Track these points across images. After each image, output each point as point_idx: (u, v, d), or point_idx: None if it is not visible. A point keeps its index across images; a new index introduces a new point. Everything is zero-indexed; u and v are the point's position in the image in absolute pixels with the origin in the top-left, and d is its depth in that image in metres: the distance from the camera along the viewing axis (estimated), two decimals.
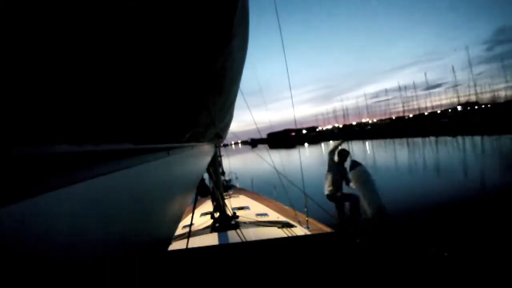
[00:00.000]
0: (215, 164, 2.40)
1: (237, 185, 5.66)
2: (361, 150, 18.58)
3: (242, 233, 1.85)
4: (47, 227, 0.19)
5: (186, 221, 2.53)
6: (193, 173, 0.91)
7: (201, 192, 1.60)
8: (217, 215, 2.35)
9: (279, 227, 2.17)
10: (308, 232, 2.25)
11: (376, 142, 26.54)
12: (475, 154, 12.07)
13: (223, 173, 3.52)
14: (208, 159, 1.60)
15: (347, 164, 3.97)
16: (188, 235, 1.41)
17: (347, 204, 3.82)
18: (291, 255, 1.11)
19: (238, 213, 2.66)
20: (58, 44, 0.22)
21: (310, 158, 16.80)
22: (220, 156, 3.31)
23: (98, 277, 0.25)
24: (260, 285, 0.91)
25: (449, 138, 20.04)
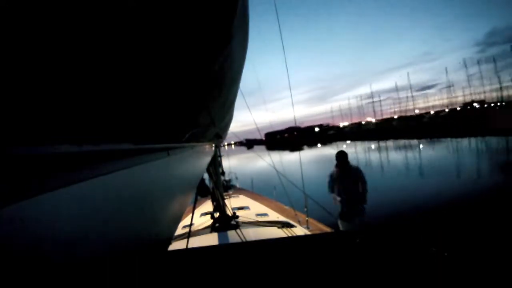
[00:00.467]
0: (215, 164, 2.40)
1: (237, 185, 5.66)
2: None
3: (242, 233, 1.85)
4: (47, 227, 0.19)
5: (186, 221, 2.53)
6: (193, 173, 0.91)
7: (201, 192, 1.60)
8: (217, 215, 2.35)
9: (279, 227, 2.17)
10: (308, 232, 2.25)
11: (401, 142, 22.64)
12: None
13: (223, 173, 3.52)
14: (208, 159, 1.60)
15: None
16: (188, 235, 1.41)
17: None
18: (291, 255, 1.11)
19: (238, 213, 2.66)
20: (58, 44, 0.22)
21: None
22: (220, 156, 3.31)
23: (98, 277, 0.25)
24: (260, 285, 0.91)
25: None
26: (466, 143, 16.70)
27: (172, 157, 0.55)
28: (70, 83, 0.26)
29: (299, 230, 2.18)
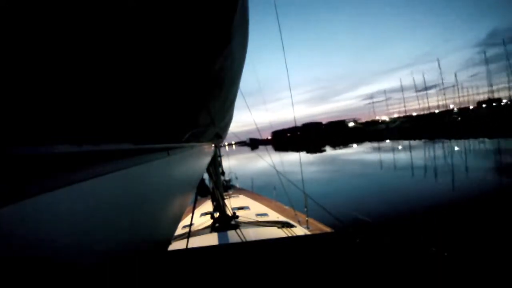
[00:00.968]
0: (215, 164, 2.40)
1: (237, 185, 5.66)
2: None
3: (242, 233, 1.85)
4: (47, 227, 0.19)
5: (186, 221, 2.53)
6: (193, 173, 0.91)
7: (201, 192, 1.60)
8: (217, 215, 2.35)
9: (279, 227, 2.17)
10: (308, 232, 2.25)
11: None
12: None
13: (223, 173, 3.52)
14: (208, 159, 1.60)
15: None
16: (188, 235, 1.41)
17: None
18: (291, 255, 1.11)
19: (238, 213, 2.66)
20: (58, 43, 0.22)
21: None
22: (220, 156, 3.31)
23: (98, 277, 0.25)
24: (260, 285, 0.91)
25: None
26: None
27: (172, 157, 0.55)
28: (70, 83, 0.26)
29: (299, 230, 2.18)
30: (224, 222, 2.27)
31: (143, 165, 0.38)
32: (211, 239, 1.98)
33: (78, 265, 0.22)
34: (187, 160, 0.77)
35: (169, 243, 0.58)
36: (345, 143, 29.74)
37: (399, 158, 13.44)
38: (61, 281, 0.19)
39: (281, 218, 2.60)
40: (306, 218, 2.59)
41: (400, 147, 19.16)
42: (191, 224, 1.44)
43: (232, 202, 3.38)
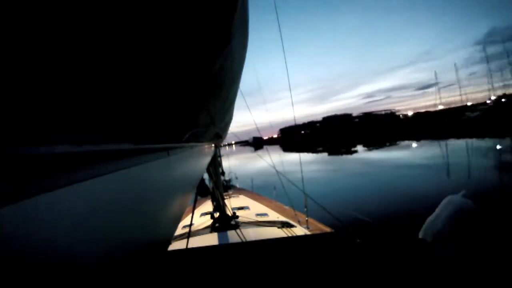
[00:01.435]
0: (215, 164, 2.41)
1: (237, 185, 5.67)
2: None
3: (242, 233, 1.85)
4: (46, 227, 0.19)
5: (186, 221, 2.54)
6: (193, 173, 0.91)
7: (201, 192, 1.60)
8: (217, 215, 2.35)
9: (279, 227, 2.17)
10: (308, 232, 2.25)
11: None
12: None
13: (223, 173, 3.52)
14: (208, 159, 1.60)
15: None
16: (188, 235, 1.41)
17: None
18: (291, 255, 1.11)
19: (238, 213, 2.66)
20: (58, 43, 0.22)
21: None
22: (220, 156, 3.32)
23: (98, 277, 0.25)
24: (260, 285, 0.91)
25: None
26: None
27: (172, 157, 0.55)
28: (70, 83, 0.26)
29: (299, 230, 2.18)
30: (224, 222, 2.27)
31: (143, 165, 0.38)
32: (211, 239, 1.98)
33: (78, 265, 0.22)
34: (187, 160, 0.77)
35: (169, 243, 0.58)
36: (389, 141, 21.18)
37: None
38: (61, 281, 0.19)
39: (281, 218, 2.60)
40: (306, 218, 2.59)
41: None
42: (191, 224, 1.44)
43: (232, 202, 3.39)
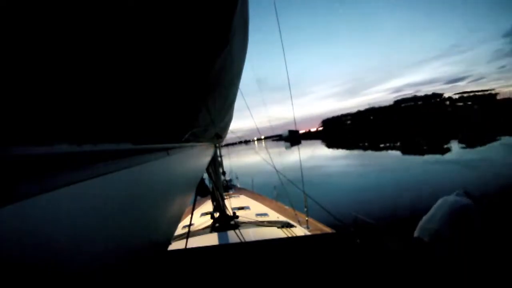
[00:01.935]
0: (215, 164, 2.41)
1: (238, 185, 5.67)
2: None
3: (242, 233, 1.85)
4: (47, 227, 0.19)
5: (185, 221, 2.54)
6: (193, 173, 0.91)
7: (201, 192, 1.60)
8: (217, 215, 2.35)
9: (279, 227, 2.17)
10: (308, 232, 2.25)
11: None
12: None
13: (223, 173, 3.52)
14: (208, 159, 1.60)
15: None
16: (188, 235, 1.41)
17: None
18: (291, 255, 1.11)
19: (238, 213, 2.66)
20: (58, 43, 0.22)
21: None
22: (221, 156, 3.32)
23: (98, 277, 0.25)
24: (259, 285, 0.91)
25: None
26: None
27: (172, 157, 0.55)
28: (69, 83, 0.26)
29: (299, 230, 2.18)
30: (224, 222, 2.27)
31: (143, 165, 0.38)
32: (211, 239, 1.98)
33: (78, 265, 0.22)
34: (187, 160, 0.77)
35: (169, 243, 0.58)
36: (487, 135, 13.29)
37: None
38: (61, 281, 0.19)
39: (281, 218, 2.60)
40: (306, 218, 2.59)
41: None
42: (190, 224, 1.44)
43: (232, 202, 3.39)
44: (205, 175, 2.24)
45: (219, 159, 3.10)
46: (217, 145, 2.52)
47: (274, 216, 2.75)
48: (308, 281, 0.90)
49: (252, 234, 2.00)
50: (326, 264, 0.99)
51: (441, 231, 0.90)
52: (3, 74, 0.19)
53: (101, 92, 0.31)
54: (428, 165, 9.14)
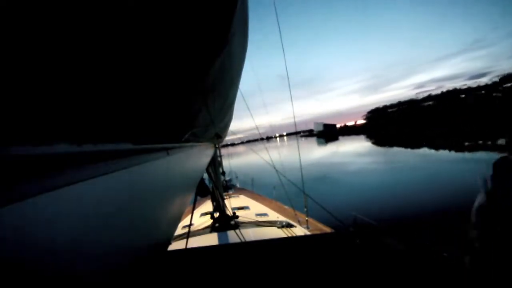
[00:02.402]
0: (215, 164, 2.41)
1: (237, 185, 5.67)
2: None
3: (242, 233, 1.85)
4: (47, 227, 0.19)
5: (185, 221, 2.54)
6: (193, 173, 0.91)
7: (201, 192, 1.61)
8: (216, 215, 2.35)
9: (278, 227, 2.17)
10: (308, 232, 2.25)
11: None
12: None
13: (223, 173, 3.52)
14: (207, 159, 1.60)
15: None
16: (187, 235, 1.41)
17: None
18: (291, 255, 1.11)
19: (238, 213, 2.66)
20: (57, 43, 0.22)
21: None
22: (220, 156, 3.32)
23: (98, 277, 0.25)
24: (259, 285, 0.91)
25: None
26: None
27: (171, 157, 0.55)
28: (69, 83, 0.26)
29: (299, 230, 2.18)
30: (224, 222, 2.27)
31: (143, 165, 0.38)
32: (211, 239, 1.98)
33: (78, 265, 0.22)
34: (186, 160, 0.77)
35: (169, 243, 0.58)
36: None
37: None
38: (61, 281, 0.19)
39: (281, 218, 2.60)
40: (306, 218, 2.59)
41: None
42: (190, 224, 1.44)
43: (232, 202, 3.39)
44: (205, 175, 2.24)
45: (219, 159, 3.10)
46: (217, 145, 2.52)
47: (274, 216, 2.75)
48: (308, 281, 0.90)
49: (252, 234, 2.00)
50: (326, 264, 0.99)
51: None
52: (3, 74, 0.19)
53: (100, 92, 0.31)
54: None
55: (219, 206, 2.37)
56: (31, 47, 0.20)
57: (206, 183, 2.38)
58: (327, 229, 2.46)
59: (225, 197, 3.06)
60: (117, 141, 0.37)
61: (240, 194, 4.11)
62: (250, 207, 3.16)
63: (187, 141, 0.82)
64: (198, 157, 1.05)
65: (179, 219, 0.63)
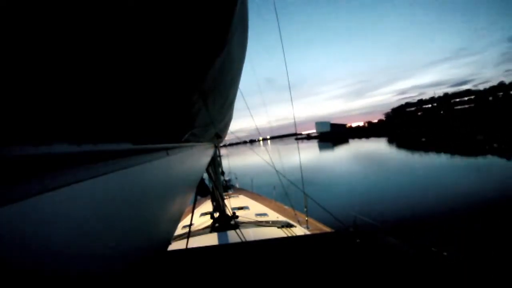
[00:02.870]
0: (214, 164, 2.41)
1: (237, 185, 5.67)
2: None
3: (242, 233, 1.85)
4: (46, 227, 0.19)
5: (185, 221, 2.54)
6: (193, 173, 0.91)
7: (201, 192, 1.61)
8: (216, 215, 2.35)
9: (278, 227, 2.18)
10: (307, 232, 2.25)
11: None
12: None
13: (222, 173, 3.53)
14: (207, 159, 1.60)
15: None
16: (188, 235, 1.41)
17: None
18: (291, 255, 1.11)
19: (238, 213, 2.66)
20: (58, 43, 0.22)
21: None
22: (220, 156, 3.32)
23: (98, 277, 0.25)
24: (260, 285, 0.91)
25: None
26: None
27: (171, 157, 0.55)
28: (69, 83, 0.26)
29: (299, 230, 2.19)
30: (224, 222, 2.27)
31: (143, 165, 0.38)
32: (211, 239, 1.98)
33: (78, 265, 0.22)
34: (186, 160, 0.77)
35: (169, 243, 0.58)
36: None
37: None
38: (61, 281, 0.19)
39: (281, 218, 2.60)
40: (306, 218, 2.59)
41: None
42: (190, 224, 1.44)
43: (232, 202, 3.39)
44: (205, 175, 2.24)
45: (219, 159, 3.10)
46: (217, 145, 2.52)
47: (273, 216, 2.75)
48: (308, 280, 0.90)
49: (252, 234, 2.01)
50: (326, 264, 0.99)
51: None
52: (3, 74, 0.19)
53: (100, 92, 0.31)
54: None
55: (219, 206, 2.37)
56: (31, 47, 0.20)
57: (206, 183, 2.38)
58: (327, 229, 2.46)
59: (225, 197, 3.06)
60: (117, 141, 0.37)
61: (240, 194, 4.12)
62: (250, 207, 3.16)
63: (187, 141, 0.82)
64: (198, 157, 1.05)
65: (179, 219, 0.63)
